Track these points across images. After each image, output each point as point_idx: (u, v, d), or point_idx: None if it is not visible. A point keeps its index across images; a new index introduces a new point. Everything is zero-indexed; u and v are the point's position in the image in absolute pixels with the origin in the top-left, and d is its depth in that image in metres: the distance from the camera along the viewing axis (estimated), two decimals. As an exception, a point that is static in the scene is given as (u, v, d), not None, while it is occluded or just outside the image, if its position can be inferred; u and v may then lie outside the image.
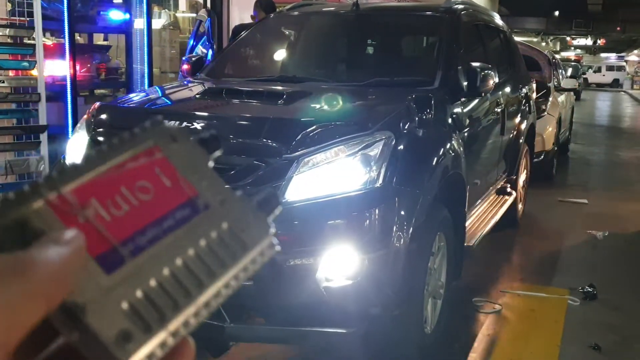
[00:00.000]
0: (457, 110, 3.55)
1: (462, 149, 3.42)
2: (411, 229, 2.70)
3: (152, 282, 0.39)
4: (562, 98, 8.77)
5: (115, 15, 6.16)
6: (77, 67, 6.05)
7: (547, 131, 7.46)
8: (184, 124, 2.75)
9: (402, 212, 2.70)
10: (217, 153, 0.46)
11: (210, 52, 5.72)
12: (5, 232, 0.36)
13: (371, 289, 2.62)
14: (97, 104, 3.20)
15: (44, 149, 4.91)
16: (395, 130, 2.78)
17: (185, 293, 0.39)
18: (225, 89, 3.37)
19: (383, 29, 4.26)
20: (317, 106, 3.08)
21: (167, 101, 3.40)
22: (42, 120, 4.85)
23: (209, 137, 0.46)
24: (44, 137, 4.91)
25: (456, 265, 3.45)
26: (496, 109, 4.41)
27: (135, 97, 3.46)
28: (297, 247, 2.53)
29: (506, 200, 5.00)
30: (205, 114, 2.95)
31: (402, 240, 2.68)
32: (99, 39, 8.10)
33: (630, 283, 4.47)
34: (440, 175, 3.09)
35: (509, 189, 5.12)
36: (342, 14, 4.44)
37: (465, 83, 3.63)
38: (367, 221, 2.62)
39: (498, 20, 5.48)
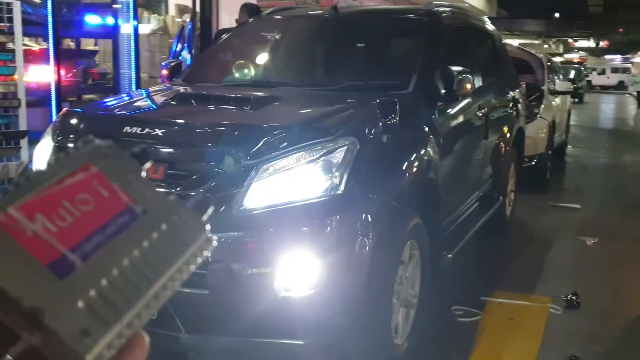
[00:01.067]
0: (433, 114, 3.48)
1: (437, 155, 3.35)
2: (375, 237, 2.64)
3: (104, 282, 0.43)
4: (557, 101, 8.67)
5: (97, 20, 6.12)
6: (63, 73, 6.04)
7: (540, 135, 7.37)
8: (146, 130, 2.71)
9: (365, 220, 2.64)
10: (148, 164, 0.51)
11: (189, 57, 5.68)
12: None
13: (332, 299, 2.56)
14: (64, 110, 3.16)
15: (25, 154, 4.88)
16: (360, 136, 2.71)
17: (135, 289, 0.44)
18: (194, 95, 3.32)
19: (362, 32, 4.20)
20: (283, 112, 3.02)
21: (135, 107, 3.35)
22: (23, 125, 4.82)
23: (139, 151, 0.50)
24: (24, 142, 4.88)
25: (431, 273, 3.38)
26: (478, 113, 4.34)
27: (104, 103, 3.42)
28: (255, 255, 2.47)
29: (492, 205, 4.92)
30: (168, 119, 2.90)
31: (365, 248, 2.62)
32: (89, 44, 8.08)
33: (617, 292, 4.38)
34: (410, 182, 3.02)
35: (495, 194, 5.04)
36: (321, 18, 4.39)
37: (442, 87, 3.57)
38: (328, 229, 2.55)
39: (486, 23, 5.41)
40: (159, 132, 2.69)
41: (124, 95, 3.76)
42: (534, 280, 4.46)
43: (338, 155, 2.62)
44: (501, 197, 5.13)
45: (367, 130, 2.79)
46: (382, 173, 2.83)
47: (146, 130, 2.70)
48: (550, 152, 7.89)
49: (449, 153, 3.69)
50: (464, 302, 3.91)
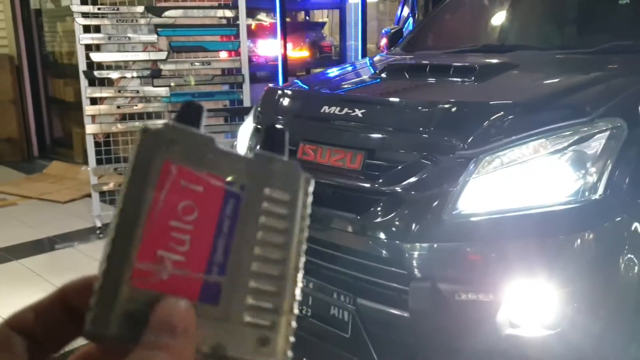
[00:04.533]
0: None
1: None
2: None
3: (252, 284, 0.40)
4: None
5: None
6: (291, 46, 5.94)
7: None
8: (345, 110, 2.25)
9: (637, 236, 1.86)
10: (204, 119, 0.42)
11: (410, 21, 5.09)
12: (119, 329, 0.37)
13: (583, 343, 1.85)
14: (266, 88, 2.86)
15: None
16: (629, 117, 1.92)
17: (278, 271, 0.40)
18: (406, 65, 2.77)
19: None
20: (517, 84, 2.31)
21: (338, 83, 2.91)
22: (247, 102, 4.76)
23: (189, 111, 0.40)
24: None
25: None
26: None
27: (309, 78, 3.05)
28: (471, 276, 1.87)
29: None
30: (370, 97, 2.40)
31: (634, 274, 1.85)
32: (323, 17, 7.98)
33: None
34: None
35: None
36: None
37: None
38: (578, 248, 1.84)
39: None
40: (358, 112, 2.21)
41: (335, 68, 3.36)
42: None
43: (596, 144, 1.87)
44: None
45: (640, 109, 1.97)
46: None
47: (345, 110, 2.25)
48: None
49: None
50: None
